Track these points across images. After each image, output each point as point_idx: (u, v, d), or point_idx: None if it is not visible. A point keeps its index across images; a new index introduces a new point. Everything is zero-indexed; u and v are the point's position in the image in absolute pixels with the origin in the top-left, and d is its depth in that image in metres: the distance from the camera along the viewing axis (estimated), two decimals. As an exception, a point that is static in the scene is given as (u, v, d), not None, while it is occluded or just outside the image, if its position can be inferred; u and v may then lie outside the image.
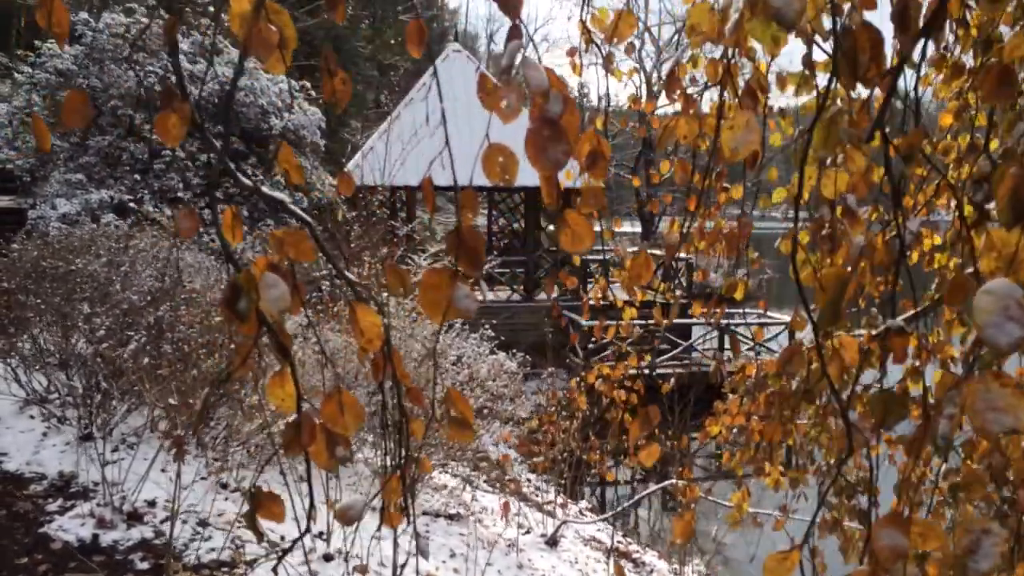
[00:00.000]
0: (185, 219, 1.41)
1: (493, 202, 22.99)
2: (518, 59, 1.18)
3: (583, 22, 3.59)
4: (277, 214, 13.71)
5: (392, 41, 29.80)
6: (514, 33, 1.18)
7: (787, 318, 14.83)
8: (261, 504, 1.52)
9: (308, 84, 16.12)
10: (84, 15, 14.30)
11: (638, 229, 34.74)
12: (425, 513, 6.58)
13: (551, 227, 20.67)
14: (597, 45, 3.88)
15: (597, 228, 4.35)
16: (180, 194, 13.66)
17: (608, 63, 4.04)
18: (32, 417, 6.44)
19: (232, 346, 5.46)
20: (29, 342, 6.57)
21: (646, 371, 4.96)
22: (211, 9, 22.68)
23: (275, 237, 1.34)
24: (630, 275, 1.47)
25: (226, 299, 1.29)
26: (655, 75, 33.75)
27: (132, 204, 12.94)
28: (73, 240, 6.92)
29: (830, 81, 1.07)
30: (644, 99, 4.18)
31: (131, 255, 6.71)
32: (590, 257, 17.13)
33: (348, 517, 1.58)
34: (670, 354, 14.36)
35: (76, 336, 6.31)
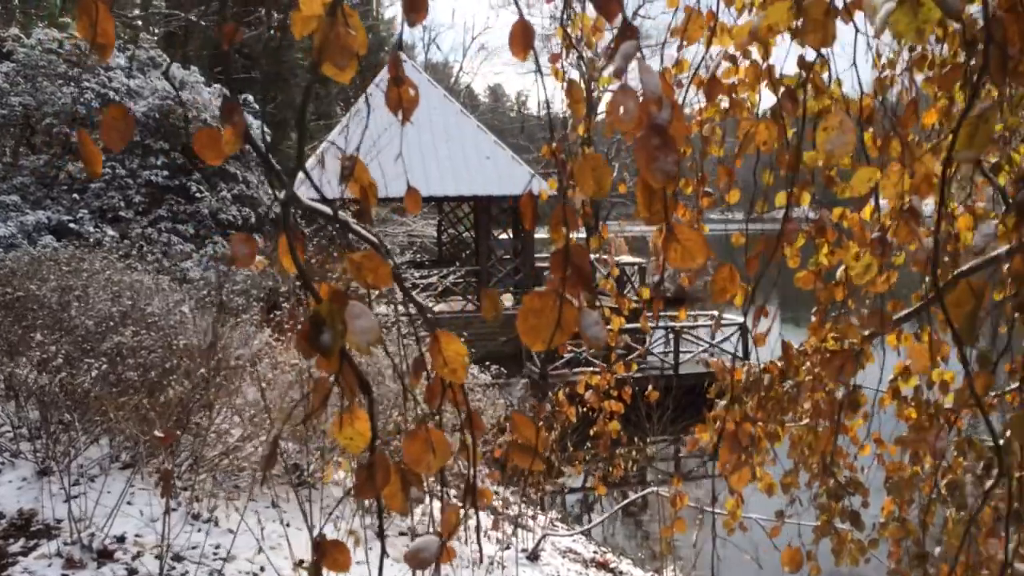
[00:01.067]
0: (242, 245, 1.27)
1: (442, 212, 22.84)
2: (633, 62, 1.08)
3: (563, 27, 3.52)
4: (226, 231, 13.34)
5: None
6: (627, 33, 1.08)
7: (739, 319, 14.99)
8: (326, 553, 1.38)
9: (251, 97, 15.77)
10: (15, 31, 13.74)
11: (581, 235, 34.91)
12: (402, 534, 6.41)
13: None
14: (579, 51, 3.81)
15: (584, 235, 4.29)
16: (122, 213, 13.21)
17: (591, 69, 3.97)
18: (-18, 453, 6.09)
19: (202, 371, 5.23)
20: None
21: (632, 378, 4.91)
22: (139, 23, 21.99)
23: (352, 262, 1.21)
24: (715, 290, 1.38)
25: (305, 333, 1.16)
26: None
27: (72, 225, 12.46)
28: (21, 264, 6.58)
29: (980, 76, 1.00)
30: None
31: (84, 279, 6.40)
32: (544, 265, 17.06)
33: (421, 560, 1.44)
34: (628, 358, 14.40)
35: (28, 365, 5.99)
